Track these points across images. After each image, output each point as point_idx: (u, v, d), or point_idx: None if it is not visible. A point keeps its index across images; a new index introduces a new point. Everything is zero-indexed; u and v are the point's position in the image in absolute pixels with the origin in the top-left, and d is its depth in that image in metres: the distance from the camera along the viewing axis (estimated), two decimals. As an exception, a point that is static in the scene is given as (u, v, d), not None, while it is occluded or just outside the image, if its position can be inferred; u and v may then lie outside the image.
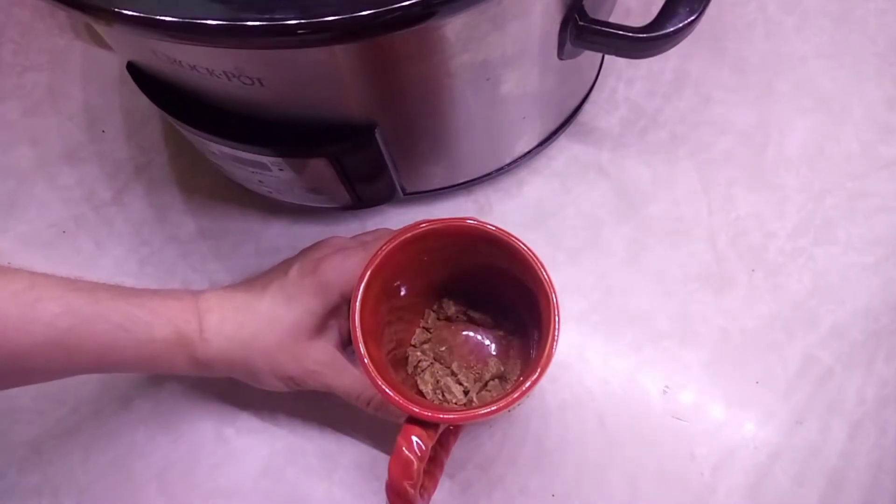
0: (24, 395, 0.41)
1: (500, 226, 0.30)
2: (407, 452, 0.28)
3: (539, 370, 0.28)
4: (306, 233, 0.44)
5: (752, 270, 0.41)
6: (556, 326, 0.29)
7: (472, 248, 0.32)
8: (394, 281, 0.33)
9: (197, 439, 0.39)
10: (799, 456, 0.36)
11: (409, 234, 0.31)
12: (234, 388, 0.40)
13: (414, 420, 0.28)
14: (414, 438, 0.28)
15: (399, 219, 0.43)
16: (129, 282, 0.43)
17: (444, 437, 0.34)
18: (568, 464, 0.37)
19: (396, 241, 0.30)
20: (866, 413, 0.37)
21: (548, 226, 0.43)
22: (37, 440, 0.40)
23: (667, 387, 0.38)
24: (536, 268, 0.30)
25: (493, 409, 0.28)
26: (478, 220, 0.31)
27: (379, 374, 0.29)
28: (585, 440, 0.37)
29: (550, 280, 0.30)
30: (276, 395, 0.39)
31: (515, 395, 0.28)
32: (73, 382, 0.40)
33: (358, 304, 0.30)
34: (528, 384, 0.28)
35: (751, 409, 0.37)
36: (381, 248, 0.30)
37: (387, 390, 0.28)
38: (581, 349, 0.39)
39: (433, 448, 0.29)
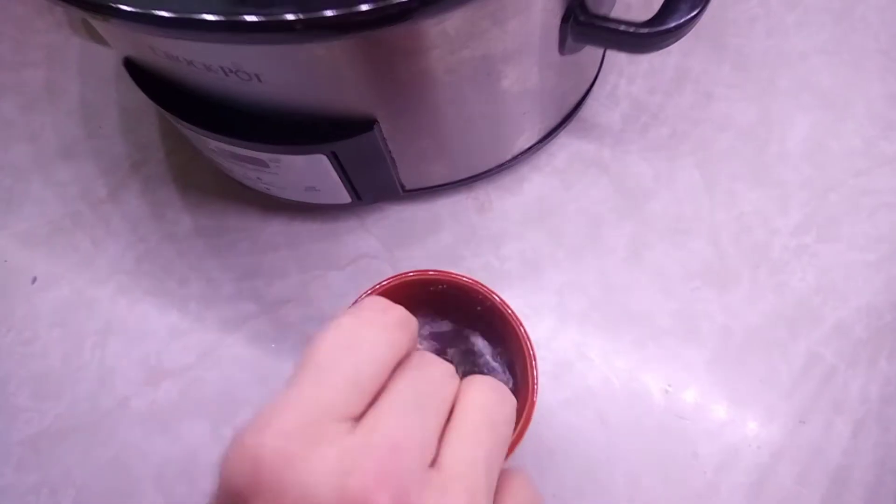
0: (21, 394, 0.41)
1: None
2: None
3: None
4: (305, 230, 0.43)
5: (755, 268, 0.40)
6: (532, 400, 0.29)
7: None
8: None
9: (194, 438, 0.39)
10: (802, 455, 0.36)
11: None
12: (232, 387, 0.40)
13: None
14: None
15: (398, 216, 0.43)
16: (125, 279, 0.43)
17: None
18: (569, 463, 0.37)
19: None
20: (870, 411, 0.37)
21: (548, 223, 0.42)
22: (34, 438, 0.39)
23: (669, 385, 0.38)
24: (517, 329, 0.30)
25: None
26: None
27: None
28: (587, 439, 0.37)
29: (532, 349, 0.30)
30: (273, 393, 0.39)
31: None
32: (70, 380, 0.40)
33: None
34: None
35: (754, 408, 0.37)
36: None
37: None
38: (582, 347, 0.39)
39: None
